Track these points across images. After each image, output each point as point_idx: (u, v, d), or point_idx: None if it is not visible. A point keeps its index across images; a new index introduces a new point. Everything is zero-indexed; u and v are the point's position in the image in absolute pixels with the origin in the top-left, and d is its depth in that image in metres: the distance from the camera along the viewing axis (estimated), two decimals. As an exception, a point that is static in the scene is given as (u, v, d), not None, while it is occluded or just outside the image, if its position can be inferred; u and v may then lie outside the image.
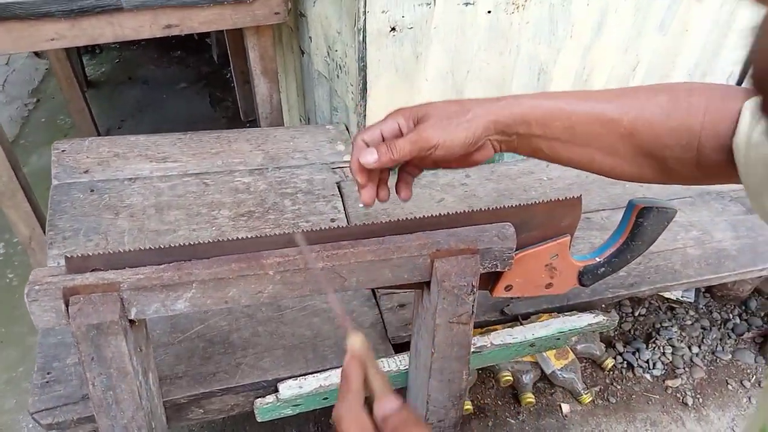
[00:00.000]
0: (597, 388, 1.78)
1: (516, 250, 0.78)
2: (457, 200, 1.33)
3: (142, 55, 3.42)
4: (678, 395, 1.78)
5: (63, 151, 1.33)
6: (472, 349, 0.96)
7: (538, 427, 1.67)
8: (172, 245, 0.69)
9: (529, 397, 1.69)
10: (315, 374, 0.96)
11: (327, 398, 0.96)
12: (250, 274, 0.70)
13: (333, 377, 0.96)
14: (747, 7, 1.48)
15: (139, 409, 0.75)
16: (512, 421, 1.68)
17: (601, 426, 1.69)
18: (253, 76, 1.67)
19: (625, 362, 1.86)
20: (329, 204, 1.27)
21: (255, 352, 0.99)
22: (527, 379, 1.70)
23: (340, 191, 1.30)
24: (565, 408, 1.73)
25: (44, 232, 1.60)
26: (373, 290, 1.12)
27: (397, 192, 0.82)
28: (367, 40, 1.23)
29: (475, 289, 0.75)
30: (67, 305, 0.66)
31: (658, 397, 1.77)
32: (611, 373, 1.83)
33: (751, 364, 1.87)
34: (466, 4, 1.26)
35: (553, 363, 1.72)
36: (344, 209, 1.26)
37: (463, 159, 0.78)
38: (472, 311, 0.77)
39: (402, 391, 1.00)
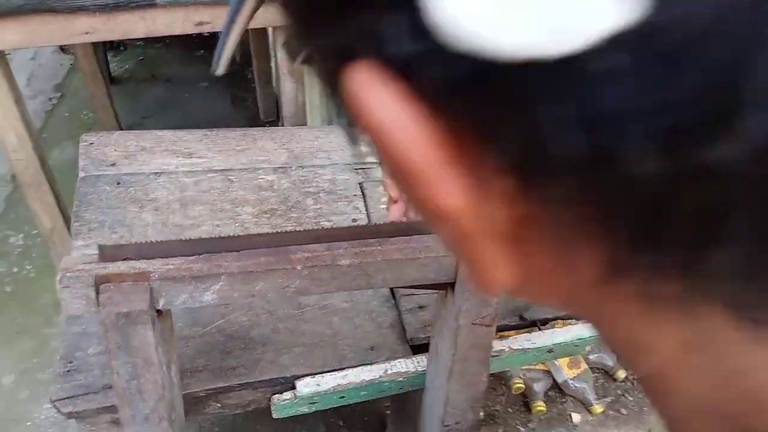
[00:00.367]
0: (608, 399, 1.77)
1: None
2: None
3: (165, 54, 3.44)
4: (691, 410, 1.76)
5: (91, 143, 1.35)
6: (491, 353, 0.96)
7: (548, 437, 1.67)
8: (203, 237, 0.71)
9: (540, 406, 1.68)
10: (333, 372, 0.97)
11: (344, 397, 0.97)
12: (279, 268, 0.70)
13: (350, 376, 0.96)
14: None
15: (162, 399, 0.76)
16: (522, 429, 1.68)
17: (612, 437, 1.69)
18: (279, 76, 1.68)
19: (639, 374, 1.85)
20: (351, 204, 1.27)
21: (274, 348, 1.00)
22: (539, 387, 1.69)
23: (362, 192, 1.31)
24: (576, 418, 1.72)
25: (66, 224, 1.62)
26: (392, 291, 1.13)
27: None
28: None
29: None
30: (97, 293, 0.68)
31: (671, 410, 1.76)
32: (623, 384, 1.82)
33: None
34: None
35: (566, 372, 1.71)
36: (366, 210, 1.27)
37: None
38: (496, 313, 0.77)
39: (420, 393, 1.01)
